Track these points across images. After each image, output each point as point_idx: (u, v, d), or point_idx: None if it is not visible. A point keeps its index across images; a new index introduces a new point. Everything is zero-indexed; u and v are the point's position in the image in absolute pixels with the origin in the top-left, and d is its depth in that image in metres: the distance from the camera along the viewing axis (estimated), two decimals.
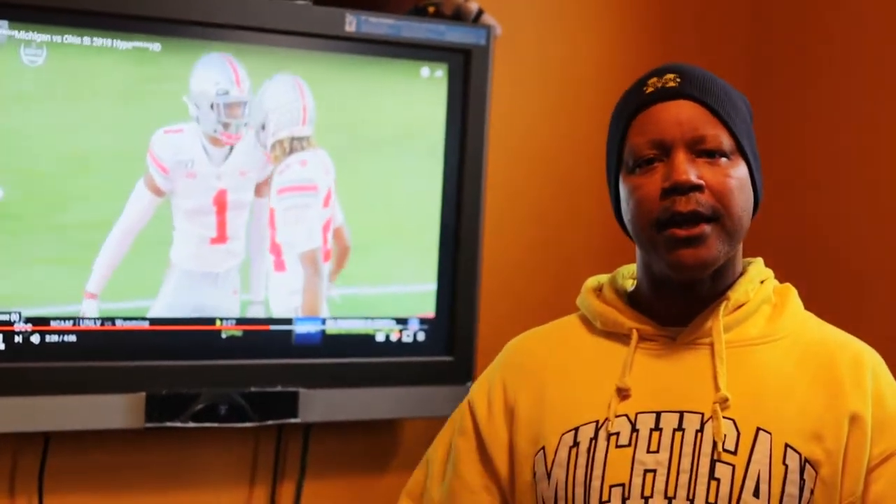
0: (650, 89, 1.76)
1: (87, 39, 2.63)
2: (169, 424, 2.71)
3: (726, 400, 1.72)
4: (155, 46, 2.69)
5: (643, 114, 1.76)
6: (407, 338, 2.98)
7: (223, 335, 2.79)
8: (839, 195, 3.28)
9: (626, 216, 1.78)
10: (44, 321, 2.62)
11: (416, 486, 1.97)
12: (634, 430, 1.74)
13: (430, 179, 2.97)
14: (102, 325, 2.67)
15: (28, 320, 2.61)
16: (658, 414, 1.74)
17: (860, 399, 1.73)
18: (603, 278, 1.91)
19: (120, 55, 2.65)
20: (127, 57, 2.66)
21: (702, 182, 1.71)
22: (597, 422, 1.76)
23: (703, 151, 1.73)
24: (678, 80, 1.76)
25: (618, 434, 1.74)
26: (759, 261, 1.86)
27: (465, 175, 2.98)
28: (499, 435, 1.87)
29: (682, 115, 1.73)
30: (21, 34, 2.56)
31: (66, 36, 2.60)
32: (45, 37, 2.58)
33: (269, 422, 2.81)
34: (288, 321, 2.85)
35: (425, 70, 2.96)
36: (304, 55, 2.84)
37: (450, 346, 3.01)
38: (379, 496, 3.08)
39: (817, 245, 3.31)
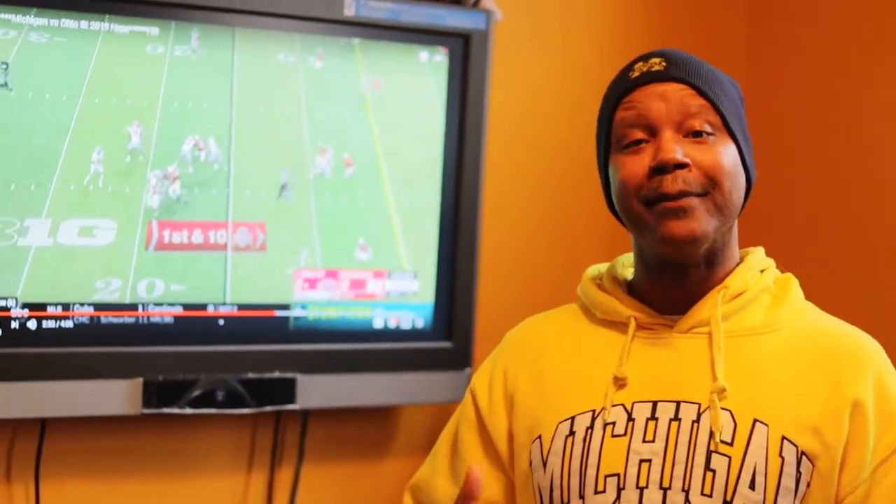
0: (636, 73, 1.78)
1: (83, 23, 2.61)
2: (166, 411, 2.70)
3: (724, 390, 1.71)
4: (153, 31, 2.68)
5: (629, 96, 1.77)
6: (405, 324, 2.97)
7: (220, 321, 2.78)
8: (838, 183, 3.27)
9: (614, 195, 1.78)
10: (40, 307, 2.61)
11: (421, 480, 1.97)
12: (630, 419, 1.73)
13: (429, 164, 2.96)
14: (98, 310, 2.66)
15: (25, 306, 2.59)
16: (654, 403, 1.73)
17: (861, 387, 1.71)
18: (603, 267, 1.91)
19: (118, 39, 2.64)
20: (125, 41, 2.65)
21: (688, 160, 1.71)
22: (593, 411, 1.76)
23: (691, 132, 1.73)
24: (663, 63, 1.77)
25: (614, 423, 1.74)
26: (760, 250, 1.85)
27: (465, 160, 2.96)
28: (500, 422, 1.87)
29: (667, 95, 1.74)
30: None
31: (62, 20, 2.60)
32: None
33: (267, 408, 2.80)
34: (286, 307, 2.84)
35: (424, 54, 2.94)
36: (302, 39, 2.82)
37: (448, 332, 2.99)
38: (377, 482, 3.08)
39: (818, 236, 3.29)
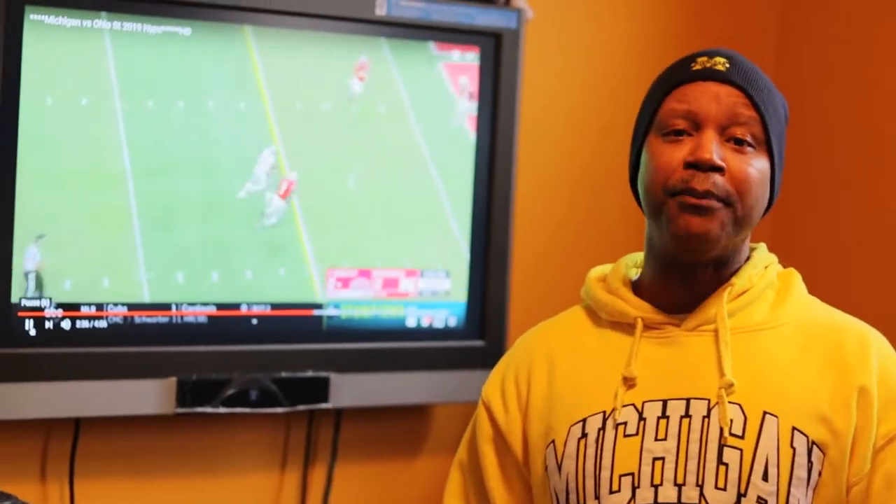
0: (698, 66, 1.78)
1: (116, 24, 2.63)
2: (200, 410, 2.71)
3: (732, 385, 1.72)
4: (185, 31, 2.70)
5: (684, 87, 1.77)
6: (438, 323, 2.97)
7: (254, 320, 2.79)
8: (866, 180, 3.25)
9: (642, 178, 1.79)
10: (74, 307, 2.63)
11: (458, 487, 1.97)
12: (641, 418, 1.74)
13: (461, 164, 2.96)
14: (132, 310, 2.68)
15: (59, 306, 2.62)
16: (664, 402, 1.74)
17: (867, 375, 1.73)
18: (607, 268, 1.92)
19: (151, 40, 2.66)
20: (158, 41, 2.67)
21: (723, 165, 1.72)
22: (604, 412, 1.77)
23: (732, 137, 1.74)
24: (727, 64, 1.77)
25: (625, 423, 1.74)
26: (763, 246, 1.86)
27: (497, 159, 2.97)
28: (516, 430, 1.88)
29: (721, 96, 1.75)
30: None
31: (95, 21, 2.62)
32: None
33: (300, 407, 2.81)
34: (319, 306, 2.85)
35: (456, 54, 2.95)
36: (334, 38, 2.83)
37: (481, 330, 2.99)
38: (410, 481, 3.08)
39: (849, 234, 3.28)
